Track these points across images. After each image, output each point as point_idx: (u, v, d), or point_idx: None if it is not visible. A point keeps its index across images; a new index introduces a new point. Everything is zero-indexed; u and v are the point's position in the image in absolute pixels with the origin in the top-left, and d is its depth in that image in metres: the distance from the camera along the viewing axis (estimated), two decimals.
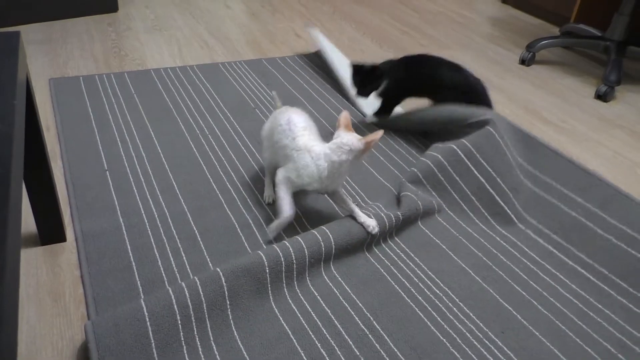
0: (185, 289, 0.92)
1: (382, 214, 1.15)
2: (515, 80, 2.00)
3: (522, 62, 2.13)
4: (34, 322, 0.93)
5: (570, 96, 1.91)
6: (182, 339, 0.90)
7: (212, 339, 0.91)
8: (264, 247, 1.11)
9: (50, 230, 1.08)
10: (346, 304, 1.00)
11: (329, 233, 1.08)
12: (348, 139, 1.07)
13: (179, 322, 0.90)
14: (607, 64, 1.94)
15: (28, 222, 1.13)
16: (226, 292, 0.96)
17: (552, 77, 2.06)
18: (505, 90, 1.92)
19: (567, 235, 1.18)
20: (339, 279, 1.06)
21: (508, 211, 1.26)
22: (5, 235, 0.50)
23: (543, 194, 1.26)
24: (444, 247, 1.16)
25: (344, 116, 1.11)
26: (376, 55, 2.12)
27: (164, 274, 1.04)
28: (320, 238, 1.07)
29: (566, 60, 2.23)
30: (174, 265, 1.06)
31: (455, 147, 1.30)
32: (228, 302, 0.96)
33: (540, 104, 1.84)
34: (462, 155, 1.29)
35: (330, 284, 1.05)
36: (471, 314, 1.00)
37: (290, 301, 1.00)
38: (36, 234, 1.11)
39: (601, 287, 1.07)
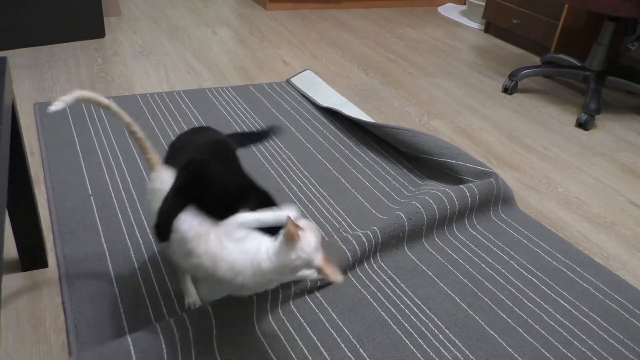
0: (174, 327, 0.91)
1: (360, 234, 1.15)
2: (498, 108, 2.04)
3: (505, 90, 2.18)
4: (12, 350, 0.90)
5: (552, 124, 1.95)
6: None
7: None
8: None
9: (32, 256, 1.06)
10: (332, 331, 1.00)
11: None
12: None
13: (165, 354, 0.89)
14: (587, 93, 1.99)
15: (9, 247, 1.11)
16: (214, 327, 0.94)
17: (534, 105, 2.10)
18: (489, 118, 1.95)
19: (549, 274, 1.19)
20: (325, 305, 1.05)
21: (490, 245, 1.27)
22: None
23: (525, 241, 1.29)
24: (430, 273, 1.16)
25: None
26: (363, 82, 2.15)
27: (147, 301, 1.02)
28: None
29: (547, 88, 2.28)
30: (158, 292, 1.04)
31: (453, 195, 1.32)
32: (215, 332, 0.94)
33: (523, 131, 1.87)
34: (456, 204, 1.31)
35: (316, 310, 1.04)
36: (457, 341, 1.00)
37: (275, 327, 0.99)
38: (17, 260, 1.09)
39: (583, 320, 1.08)
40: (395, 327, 1.02)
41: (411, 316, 1.04)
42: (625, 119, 2.07)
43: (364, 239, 1.15)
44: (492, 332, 1.03)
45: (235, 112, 1.79)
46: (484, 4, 3.00)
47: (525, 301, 1.11)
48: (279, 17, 2.96)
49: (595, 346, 1.02)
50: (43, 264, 1.07)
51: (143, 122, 1.67)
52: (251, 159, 1.52)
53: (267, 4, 3.05)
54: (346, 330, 1.00)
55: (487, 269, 1.19)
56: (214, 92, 1.93)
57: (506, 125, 1.91)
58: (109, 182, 1.36)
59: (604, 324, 1.07)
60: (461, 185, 1.34)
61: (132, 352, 0.86)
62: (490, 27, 2.99)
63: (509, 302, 1.10)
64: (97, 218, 1.23)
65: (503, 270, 1.19)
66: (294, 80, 2.05)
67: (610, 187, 1.59)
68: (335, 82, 2.13)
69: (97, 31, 2.36)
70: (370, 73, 2.26)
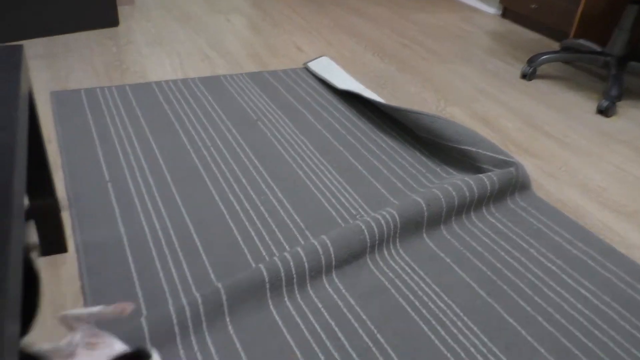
0: (186, 307, 0.92)
1: (379, 216, 1.14)
2: (517, 95, 2.01)
3: (524, 76, 2.14)
4: (34, 334, 0.91)
5: (571, 110, 1.92)
6: (183, 356, 0.89)
7: (214, 353, 0.90)
8: (267, 258, 1.10)
9: (52, 242, 1.07)
10: (350, 316, 0.99)
11: (328, 244, 1.07)
12: None
13: (179, 341, 0.89)
14: (608, 79, 1.95)
15: (29, 232, 1.12)
16: (226, 309, 0.95)
17: (554, 91, 2.06)
18: (507, 104, 1.92)
19: (569, 263, 1.17)
20: (343, 290, 1.05)
21: (508, 232, 1.25)
22: (8, 246, 0.50)
23: (545, 230, 1.27)
24: (448, 260, 1.15)
25: None
26: (378, 68, 2.13)
27: (165, 286, 1.02)
28: (320, 250, 1.06)
29: (567, 75, 2.24)
30: (175, 277, 1.05)
31: (472, 184, 1.30)
32: (228, 318, 0.95)
33: (542, 118, 1.84)
34: (476, 193, 1.29)
35: (334, 295, 1.04)
36: (475, 329, 0.99)
37: (293, 313, 0.99)
38: (37, 245, 1.10)
39: (604, 310, 1.06)
40: (413, 314, 1.01)
41: (429, 303, 1.04)
42: None
43: (382, 221, 1.14)
44: (511, 321, 1.02)
45: (250, 98, 1.78)
46: None
47: (545, 290, 1.09)
48: (291, 3, 2.93)
49: (617, 336, 1.00)
50: (62, 249, 1.08)
51: (159, 109, 1.67)
52: (267, 145, 1.52)
53: None
54: (364, 316, 0.99)
55: (506, 256, 1.18)
56: (229, 78, 1.92)
57: (525, 111, 1.88)
58: (125, 169, 1.36)
59: (626, 313, 1.05)
60: (481, 175, 1.32)
61: (146, 332, 0.87)
62: (507, 12, 2.94)
63: (528, 291, 1.09)
64: (114, 205, 1.23)
65: (522, 258, 1.17)
66: (310, 65, 2.03)
67: (632, 175, 1.56)
68: (350, 68, 2.11)
69: (110, 20, 2.36)
70: (386, 59, 2.24)
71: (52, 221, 1.06)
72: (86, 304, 0.97)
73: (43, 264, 1.06)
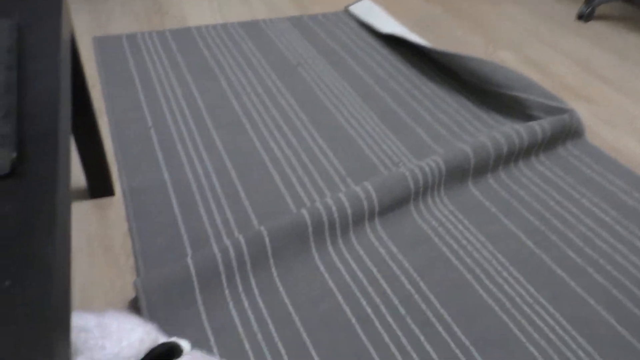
0: (230, 248, 0.93)
1: (424, 164, 1.11)
2: (572, 37, 1.88)
3: (580, 17, 2.00)
4: (86, 272, 0.95)
5: (631, 54, 1.79)
6: (228, 295, 0.90)
7: (257, 295, 0.92)
8: (307, 205, 1.10)
9: (99, 185, 1.10)
10: (392, 264, 0.99)
11: (371, 191, 1.05)
12: None
13: (224, 279, 0.91)
14: None
15: (77, 176, 1.15)
16: (269, 252, 0.95)
17: (613, 33, 1.92)
18: (562, 48, 1.81)
19: (624, 214, 1.12)
20: (385, 238, 1.04)
21: (559, 182, 1.20)
22: (55, 185, 0.50)
23: (598, 179, 1.20)
24: (494, 209, 1.12)
25: None
26: (423, 10, 2.03)
27: (209, 230, 1.04)
28: (362, 196, 1.04)
29: (628, 15, 2.07)
30: (218, 222, 1.06)
31: (523, 132, 1.23)
32: (272, 261, 0.96)
33: (598, 62, 1.73)
34: (526, 141, 1.23)
35: (376, 243, 1.03)
36: (521, 279, 0.97)
37: (335, 259, 0.99)
38: (86, 188, 1.12)
39: None
40: (457, 263, 0.99)
41: (474, 252, 1.02)
42: None
43: (427, 169, 1.11)
44: (559, 271, 0.99)
45: (290, 43, 1.74)
46: None
47: (597, 241, 1.05)
48: None
49: None
50: (110, 192, 1.11)
51: (199, 55, 1.65)
52: (307, 91, 1.49)
53: None
54: (406, 264, 0.99)
55: (556, 206, 1.13)
56: (268, 23, 1.87)
57: (580, 55, 1.77)
58: (167, 115, 1.37)
59: None
60: (532, 123, 1.26)
61: (192, 269, 0.89)
62: None
63: (578, 242, 1.05)
64: (157, 150, 1.25)
65: (573, 209, 1.13)
66: (352, 8, 1.96)
67: None
68: (393, 11, 2.01)
69: None
70: (431, 1, 2.12)
71: (98, 165, 1.08)
72: (134, 246, 1.00)
73: (91, 206, 1.09)
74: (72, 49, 0.92)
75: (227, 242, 0.94)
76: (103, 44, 1.69)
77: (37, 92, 0.57)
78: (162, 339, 0.72)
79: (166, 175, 1.17)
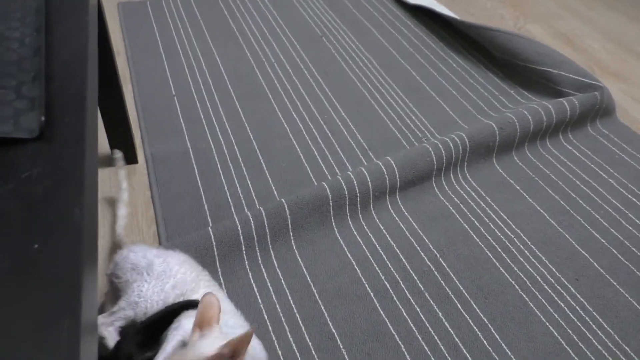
0: (251, 219, 0.93)
1: (447, 139, 1.10)
2: (605, 11, 1.81)
3: None
4: (109, 238, 0.97)
5: None
6: (247, 266, 0.91)
7: (277, 266, 0.92)
8: (329, 178, 1.09)
9: (123, 152, 1.11)
10: (412, 239, 0.98)
11: (393, 165, 1.05)
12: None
13: (244, 250, 0.92)
14: None
15: (102, 143, 1.16)
16: (290, 224, 0.96)
17: None
18: (595, 22, 1.74)
19: None
20: (406, 213, 1.03)
21: (586, 161, 1.17)
22: (83, 150, 0.50)
23: (628, 159, 1.17)
24: (518, 187, 1.10)
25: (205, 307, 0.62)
26: None
27: (230, 199, 1.05)
28: (384, 170, 1.04)
29: None
30: (239, 192, 1.07)
31: (551, 109, 1.20)
32: (292, 233, 0.96)
33: (634, 38, 1.66)
34: (554, 118, 1.19)
35: (397, 218, 1.02)
36: (543, 258, 0.96)
37: (355, 232, 0.99)
38: (109, 155, 1.14)
39: None
40: (478, 240, 0.99)
41: (495, 230, 1.01)
42: None
43: (450, 144, 1.09)
44: (582, 251, 0.97)
45: (316, 13, 1.71)
46: None
47: (623, 222, 1.03)
48: None
49: None
50: (133, 160, 1.12)
51: (222, 22, 1.64)
52: (331, 62, 1.47)
53: None
54: (426, 240, 0.98)
55: (582, 186, 1.11)
56: None
57: (614, 30, 1.70)
58: (191, 83, 1.37)
59: None
60: (561, 99, 1.23)
61: (213, 239, 0.90)
62: None
63: (604, 222, 1.03)
64: (180, 118, 1.25)
65: (600, 189, 1.10)
66: None
67: None
68: None
69: None
70: None
71: (122, 132, 1.08)
72: (156, 213, 1.01)
73: (115, 173, 1.11)
74: (98, 13, 0.91)
75: (248, 213, 0.95)
76: (128, 10, 1.69)
77: (65, 56, 0.57)
78: (206, 290, 0.74)
79: (189, 144, 1.17)
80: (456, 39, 1.59)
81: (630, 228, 1.02)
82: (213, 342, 0.58)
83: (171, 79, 1.38)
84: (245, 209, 1.02)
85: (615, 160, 1.18)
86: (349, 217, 1.01)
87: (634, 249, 0.98)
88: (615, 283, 0.92)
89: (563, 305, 0.88)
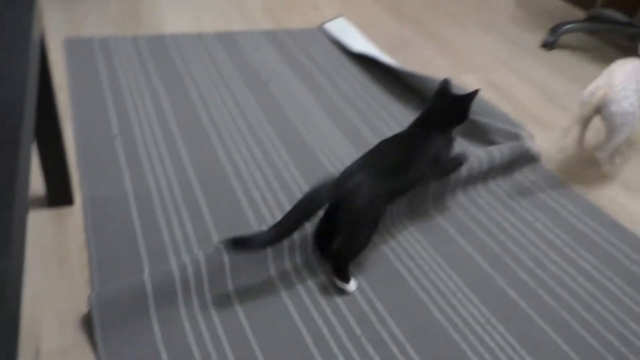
0: (189, 265, 0.93)
1: None
2: (535, 64, 1.95)
3: (544, 45, 2.07)
4: (38, 283, 0.94)
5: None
6: (184, 315, 0.90)
7: (214, 314, 0.92)
8: (269, 222, 1.10)
9: (59, 193, 1.08)
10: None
11: None
12: None
13: (180, 298, 0.91)
14: (638, 51, 1.88)
15: (36, 183, 1.13)
16: (228, 269, 0.96)
17: (575, 63, 2.00)
18: (525, 74, 1.87)
19: (574, 237, 1.16)
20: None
21: (514, 205, 1.24)
22: (13, 200, 0.50)
23: (551, 203, 1.25)
24: (452, 231, 1.15)
25: None
26: (394, 31, 2.07)
27: (168, 244, 1.04)
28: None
29: (590, 46, 2.16)
30: (178, 236, 1.06)
31: (483, 157, 1.27)
32: (230, 280, 0.96)
33: (560, 90, 1.79)
34: (484, 166, 1.27)
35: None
36: (475, 300, 1.00)
37: (293, 277, 1.00)
38: (44, 196, 1.11)
39: (606, 285, 1.06)
40: (413, 284, 1.02)
41: (430, 273, 1.04)
42: None
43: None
44: (511, 293, 1.02)
45: (264, 57, 1.75)
46: None
47: (548, 263, 1.09)
48: None
49: (617, 311, 1.00)
50: (69, 201, 1.10)
51: (171, 63, 1.65)
52: (277, 106, 1.50)
53: None
54: (364, 284, 1.00)
55: (511, 229, 1.17)
56: (244, 35, 1.89)
57: (543, 82, 1.83)
58: (134, 123, 1.36)
59: (628, 289, 1.05)
60: (492, 147, 1.30)
61: (148, 289, 0.88)
62: None
63: (530, 264, 1.09)
64: (121, 159, 1.24)
65: (527, 231, 1.17)
66: (327, 26, 1.99)
67: None
68: (366, 30, 2.05)
69: None
70: (403, 22, 2.17)
71: (59, 172, 1.06)
72: (90, 257, 0.99)
73: (49, 215, 1.08)
74: (41, 50, 0.91)
75: (186, 258, 0.94)
76: (74, 46, 1.68)
77: (1, 96, 0.56)
78: None
79: (128, 186, 1.16)
80: (397, 86, 1.66)
81: (554, 269, 1.08)
82: None
83: (115, 118, 1.37)
84: (184, 254, 1.02)
85: (541, 204, 1.25)
86: (287, 262, 1.02)
87: (558, 289, 1.04)
88: (541, 322, 0.97)
89: (493, 345, 0.92)
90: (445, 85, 1.11)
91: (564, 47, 2.12)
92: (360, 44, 1.86)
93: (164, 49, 1.73)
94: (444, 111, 1.09)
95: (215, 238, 1.06)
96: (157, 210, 1.11)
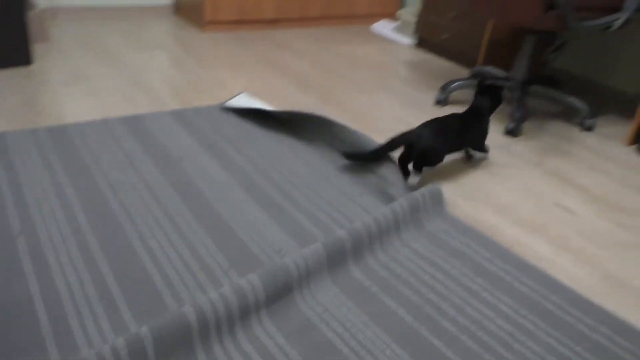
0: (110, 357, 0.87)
1: (306, 251, 1.15)
2: None
3: (437, 102, 2.26)
4: None
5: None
6: None
7: None
8: (189, 304, 1.07)
9: None
10: (280, 357, 0.98)
11: (256, 282, 1.06)
12: None
13: None
14: (512, 102, 2.10)
15: None
16: (152, 357, 0.91)
17: None
18: None
19: (489, 281, 1.23)
20: (273, 331, 1.04)
21: (430, 256, 1.30)
22: None
23: (465, 250, 1.33)
24: (375, 289, 1.17)
25: None
26: (300, 101, 2.17)
27: (84, 345, 0.97)
28: (247, 288, 1.05)
29: None
30: (94, 334, 1.00)
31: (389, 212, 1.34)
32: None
33: None
34: (390, 220, 1.34)
35: (263, 336, 1.02)
36: (404, 355, 1.01)
37: (223, 359, 0.97)
38: None
39: (522, 323, 1.12)
40: (342, 347, 1.02)
41: (357, 334, 1.05)
42: (549, 125, 2.19)
43: (309, 255, 1.14)
44: (436, 343, 1.05)
45: (173, 137, 1.76)
46: (415, 20, 3.11)
47: (467, 309, 1.14)
48: (216, 39, 2.94)
49: (535, 346, 1.06)
50: None
51: (74, 153, 1.61)
52: (190, 185, 1.50)
53: (203, 26, 3.04)
54: (294, 355, 0.99)
55: (430, 280, 1.22)
56: (150, 117, 1.89)
57: None
58: (37, 220, 1.29)
59: (542, 324, 1.12)
60: (394, 203, 1.37)
61: None
62: (422, 43, 3.10)
63: (452, 311, 1.13)
64: (25, 260, 1.16)
65: (445, 280, 1.22)
66: (229, 104, 2.04)
67: (536, 191, 1.67)
68: (273, 102, 2.13)
69: (23, 58, 2.26)
70: (308, 91, 2.29)
71: None
72: None
73: None
74: None
75: (107, 349, 0.89)
76: None
77: None
78: None
79: (34, 289, 1.09)
80: (305, 149, 1.72)
81: (474, 313, 1.13)
82: None
83: (15, 216, 1.30)
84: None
85: (455, 252, 1.32)
86: (215, 342, 0.99)
87: (479, 333, 1.08)
88: None
89: None
90: (481, 83, 1.74)
91: (455, 102, 2.32)
92: (265, 107, 1.93)
93: (66, 139, 1.69)
94: (486, 99, 1.72)
95: (134, 329, 1.01)
96: (69, 310, 1.04)
